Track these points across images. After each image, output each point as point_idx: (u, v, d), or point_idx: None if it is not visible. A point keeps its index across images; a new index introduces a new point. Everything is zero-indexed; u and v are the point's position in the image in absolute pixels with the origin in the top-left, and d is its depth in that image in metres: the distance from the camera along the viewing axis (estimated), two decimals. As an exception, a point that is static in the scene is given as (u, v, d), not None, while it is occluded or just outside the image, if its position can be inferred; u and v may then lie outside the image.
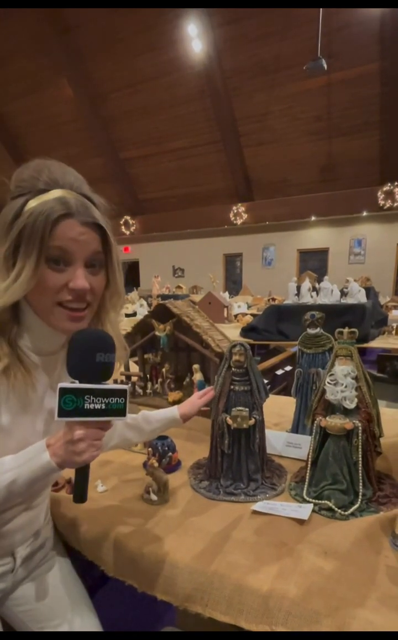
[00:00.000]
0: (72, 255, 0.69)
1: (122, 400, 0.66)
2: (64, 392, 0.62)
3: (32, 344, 0.75)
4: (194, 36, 9.08)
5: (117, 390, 0.66)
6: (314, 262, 11.60)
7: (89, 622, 0.90)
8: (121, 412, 0.66)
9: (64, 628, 0.87)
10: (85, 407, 0.63)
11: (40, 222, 0.65)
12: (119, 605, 1.39)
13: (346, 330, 1.06)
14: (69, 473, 1.15)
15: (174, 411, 1.11)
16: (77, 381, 0.65)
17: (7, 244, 0.67)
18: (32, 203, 0.67)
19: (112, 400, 0.65)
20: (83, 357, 0.65)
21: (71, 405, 0.62)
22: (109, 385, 0.66)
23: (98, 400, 0.64)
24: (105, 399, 0.64)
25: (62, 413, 0.62)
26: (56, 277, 0.68)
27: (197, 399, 1.14)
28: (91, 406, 0.63)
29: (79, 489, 0.68)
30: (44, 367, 0.77)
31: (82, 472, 0.68)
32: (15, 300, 0.68)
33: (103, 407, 0.64)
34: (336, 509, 0.96)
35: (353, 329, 1.06)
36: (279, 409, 1.74)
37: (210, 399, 1.15)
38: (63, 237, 0.67)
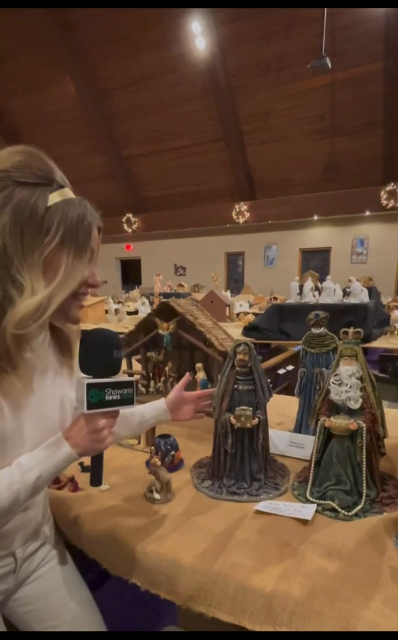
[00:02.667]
0: (95, 256, 0.76)
1: (131, 390, 0.76)
2: (90, 387, 0.70)
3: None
4: (198, 34, 9.07)
5: (127, 381, 0.76)
6: (316, 262, 11.59)
7: (92, 621, 0.90)
8: (131, 401, 0.76)
9: (68, 627, 0.87)
10: (106, 399, 0.72)
11: (87, 227, 0.71)
12: (121, 604, 1.39)
13: (351, 330, 1.05)
14: (71, 471, 1.15)
15: (161, 402, 1.11)
16: (90, 376, 0.72)
17: (48, 239, 0.68)
18: (56, 198, 0.68)
19: (124, 391, 0.74)
20: (103, 355, 0.73)
21: (96, 398, 0.70)
22: (121, 377, 0.75)
23: (115, 392, 0.73)
24: (119, 390, 0.74)
25: (90, 406, 0.70)
26: (83, 272, 0.73)
27: (181, 387, 1.13)
28: (110, 397, 0.72)
29: (97, 473, 0.78)
30: (33, 364, 0.77)
31: (100, 458, 0.78)
32: (68, 296, 0.71)
33: (118, 397, 0.74)
34: (339, 509, 0.95)
35: (358, 329, 1.05)
36: (281, 408, 1.73)
37: (200, 395, 1.15)
38: (95, 241, 0.74)
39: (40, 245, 0.67)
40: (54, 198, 0.68)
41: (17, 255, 0.66)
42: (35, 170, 0.69)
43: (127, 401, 0.75)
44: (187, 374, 1.19)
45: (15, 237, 0.66)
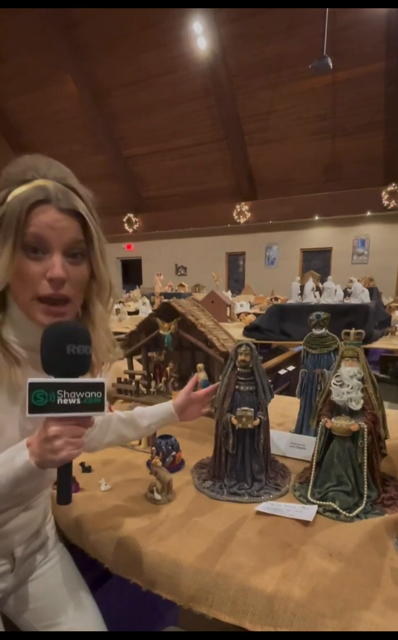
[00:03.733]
0: (49, 243, 0.67)
1: (99, 394, 0.63)
2: (33, 387, 0.59)
3: (18, 339, 0.73)
4: (199, 33, 9.03)
5: (94, 384, 0.63)
6: (317, 262, 11.58)
7: (92, 620, 0.90)
8: (98, 407, 0.63)
9: (68, 626, 0.87)
10: (58, 402, 0.60)
11: (16, 207, 0.64)
12: (121, 604, 1.39)
13: (353, 331, 1.05)
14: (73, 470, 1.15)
15: (169, 405, 1.10)
16: (51, 376, 0.62)
17: None
18: (15, 192, 0.66)
19: (88, 394, 0.62)
20: (53, 350, 0.62)
21: (42, 400, 0.59)
22: (84, 379, 0.64)
23: (72, 395, 0.61)
24: (80, 393, 0.62)
25: (32, 409, 0.59)
26: (33, 265, 0.66)
27: (189, 390, 1.12)
28: (65, 401, 0.61)
29: (62, 490, 0.65)
30: (33, 364, 0.74)
31: (64, 472, 0.65)
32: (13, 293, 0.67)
33: (78, 402, 0.61)
34: (340, 510, 0.95)
35: (359, 330, 1.05)
36: (282, 409, 1.73)
37: (208, 392, 1.14)
38: (39, 223, 0.65)
39: None
40: (13, 193, 0.66)
41: None
42: (8, 176, 0.68)
43: (94, 407, 0.62)
44: (194, 375, 1.18)
45: None
